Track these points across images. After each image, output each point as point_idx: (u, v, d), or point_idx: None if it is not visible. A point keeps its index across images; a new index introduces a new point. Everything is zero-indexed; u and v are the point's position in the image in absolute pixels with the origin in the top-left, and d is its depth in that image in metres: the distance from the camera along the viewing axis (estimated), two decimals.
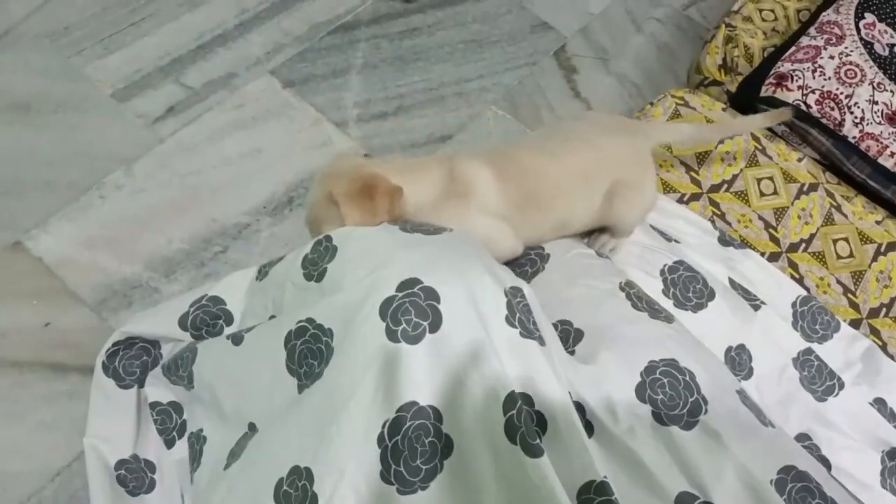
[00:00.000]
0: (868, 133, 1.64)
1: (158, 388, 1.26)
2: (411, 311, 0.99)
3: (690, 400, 1.07)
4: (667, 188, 1.59)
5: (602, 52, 2.01)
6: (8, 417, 1.32)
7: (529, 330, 1.03)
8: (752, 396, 1.23)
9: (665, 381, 1.07)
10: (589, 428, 1.03)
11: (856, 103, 1.66)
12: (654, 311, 1.21)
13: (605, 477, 0.94)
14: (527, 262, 1.31)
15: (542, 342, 1.02)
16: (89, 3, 1.84)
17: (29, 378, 1.36)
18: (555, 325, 1.16)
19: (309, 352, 1.06)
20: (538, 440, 0.95)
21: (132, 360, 1.25)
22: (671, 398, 1.06)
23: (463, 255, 1.09)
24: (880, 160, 1.64)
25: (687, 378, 1.09)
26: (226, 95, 1.75)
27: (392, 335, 0.99)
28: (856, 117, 1.65)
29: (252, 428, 1.12)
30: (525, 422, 0.95)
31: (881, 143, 1.63)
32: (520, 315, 1.03)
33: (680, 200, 1.58)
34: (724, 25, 1.91)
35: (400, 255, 1.06)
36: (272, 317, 1.16)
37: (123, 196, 1.58)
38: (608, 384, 1.06)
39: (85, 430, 1.16)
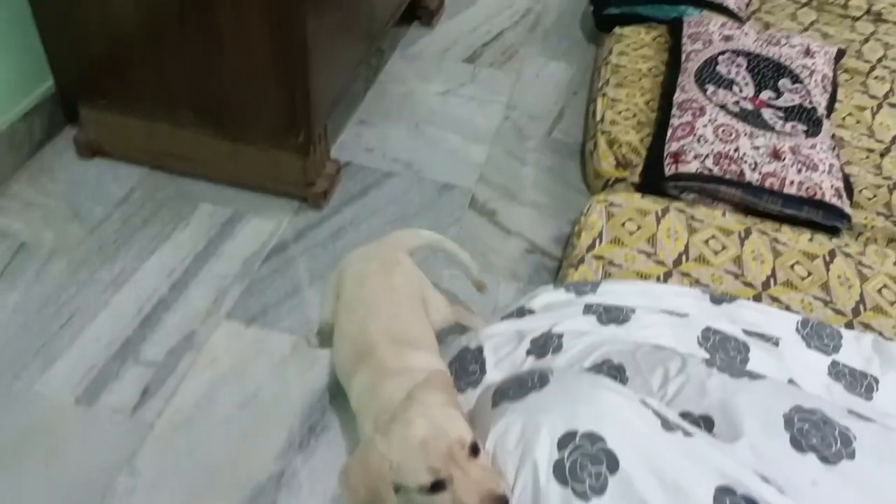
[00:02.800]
0: (766, 172, 1.89)
1: None
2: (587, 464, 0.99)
3: (834, 433, 1.12)
4: (642, 276, 1.71)
5: (505, 190, 2.17)
6: None
7: (684, 429, 1.06)
8: None
9: (805, 424, 1.12)
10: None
11: (745, 153, 1.91)
12: (742, 370, 1.28)
13: None
14: None
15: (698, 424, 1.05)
16: (6, 324, 1.69)
17: None
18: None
19: None
20: None
21: None
22: (823, 438, 1.11)
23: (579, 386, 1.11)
24: (785, 190, 1.88)
25: (820, 416, 1.14)
26: (194, 356, 1.66)
27: (581, 496, 0.98)
28: (750, 164, 1.89)
29: None
30: None
31: (778, 176, 1.88)
32: (670, 418, 1.06)
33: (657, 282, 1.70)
34: (599, 133, 2.15)
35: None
36: None
37: (139, 499, 1.41)
38: (768, 449, 1.09)
39: None
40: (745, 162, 1.90)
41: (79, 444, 1.49)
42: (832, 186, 1.89)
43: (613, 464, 1.00)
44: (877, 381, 1.51)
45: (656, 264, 1.74)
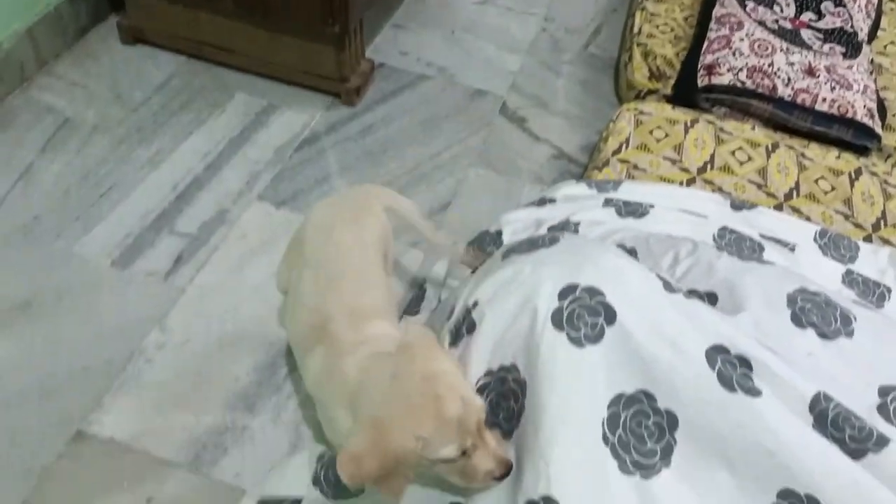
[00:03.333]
0: (799, 88, 1.88)
1: None
2: (585, 314, 1.04)
3: (835, 313, 1.15)
4: (665, 181, 1.73)
5: (537, 100, 2.18)
6: None
7: (685, 293, 1.10)
8: None
9: (808, 304, 1.16)
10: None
11: (779, 68, 1.90)
12: (753, 254, 1.31)
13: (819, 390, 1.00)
14: None
15: (702, 299, 1.09)
16: (49, 191, 1.77)
17: None
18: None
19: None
20: (751, 382, 1.00)
21: None
22: (824, 317, 1.14)
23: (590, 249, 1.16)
24: (816, 107, 1.87)
25: (823, 298, 1.17)
26: (226, 231, 1.73)
27: (575, 341, 1.03)
28: (783, 79, 1.88)
29: None
30: (732, 368, 1.00)
31: (811, 93, 1.87)
32: (673, 284, 1.09)
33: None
34: (635, 45, 2.14)
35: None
36: None
37: (169, 353, 1.50)
38: (769, 323, 1.13)
39: None
40: (779, 77, 1.89)
41: (113, 301, 1.58)
42: (864, 106, 1.88)
43: (611, 316, 1.04)
44: (889, 291, 1.53)
45: (680, 171, 1.76)
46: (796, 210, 1.71)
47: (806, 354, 1.09)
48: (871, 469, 0.96)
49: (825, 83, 1.89)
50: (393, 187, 1.84)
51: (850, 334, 1.13)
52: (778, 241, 1.58)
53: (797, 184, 1.75)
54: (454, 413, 0.99)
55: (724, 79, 1.90)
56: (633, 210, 1.55)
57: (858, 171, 1.80)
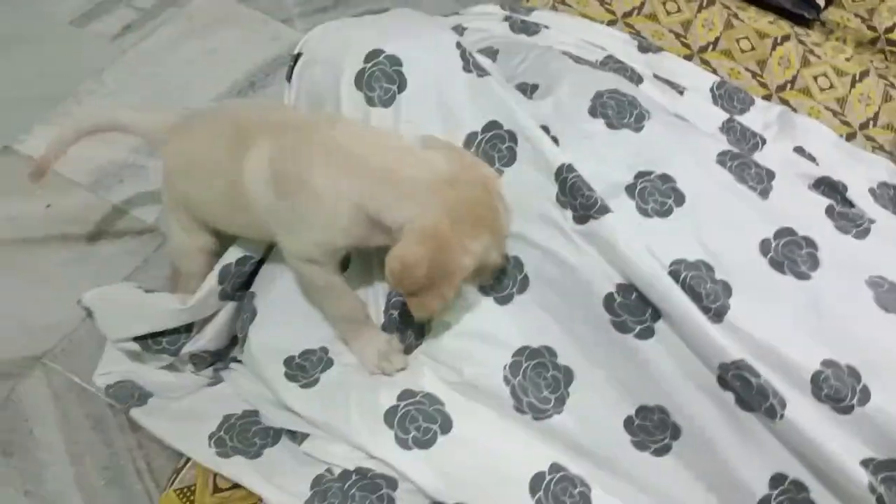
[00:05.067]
0: None
1: None
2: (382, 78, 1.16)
3: (635, 112, 1.25)
4: (587, 18, 1.79)
5: None
6: (31, 285, 1.43)
7: (482, 73, 1.20)
8: None
9: (611, 102, 1.25)
10: (555, 142, 1.20)
11: None
12: (595, 65, 1.40)
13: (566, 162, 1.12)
14: None
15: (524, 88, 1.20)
16: None
17: (41, 251, 1.47)
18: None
19: None
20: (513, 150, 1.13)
21: None
22: (619, 112, 1.23)
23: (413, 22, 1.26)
24: None
25: (629, 99, 1.27)
26: (176, 12, 1.90)
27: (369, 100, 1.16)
28: None
29: None
30: (489, 148, 1.13)
31: None
32: (473, 60, 1.20)
33: None
34: None
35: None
36: None
37: (98, 99, 1.71)
38: (566, 107, 1.23)
39: None
40: None
41: (62, 51, 1.80)
42: None
43: (403, 84, 1.16)
44: (763, 142, 1.58)
45: (606, 11, 1.81)
46: (705, 62, 1.75)
47: (584, 136, 1.19)
48: (589, 234, 1.08)
49: None
50: None
51: (637, 130, 1.22)
52: (670, 84, 1.64)
53: (717, 39, 1.78)
54: (507, 229, 1.05)
55: None
56: (527, 28, 1.62)
57: (786, 38, 1.81)
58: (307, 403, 1.09)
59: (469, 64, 1.20)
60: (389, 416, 1.05)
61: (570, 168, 1.11)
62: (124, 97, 1.71)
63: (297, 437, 1.08)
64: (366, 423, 1.05)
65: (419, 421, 1.05)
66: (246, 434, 1.09)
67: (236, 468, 1.05)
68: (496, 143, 1.13)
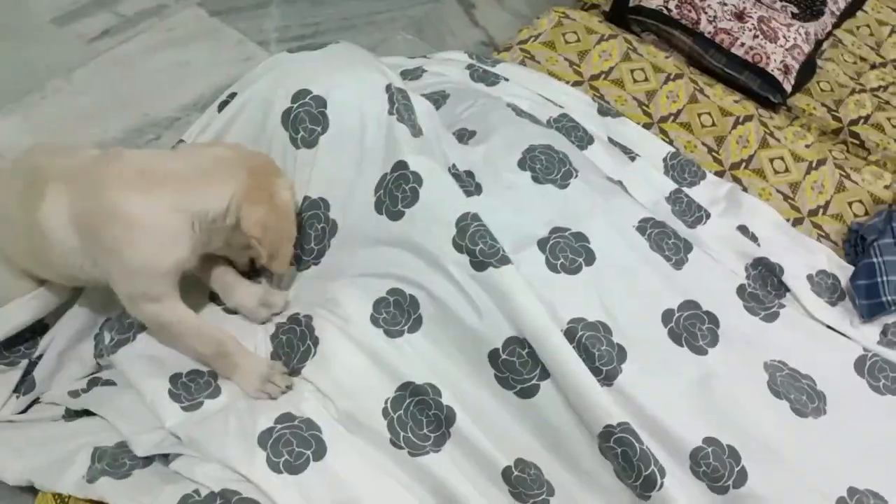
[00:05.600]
0: (721, 28, 1.91)
1: None
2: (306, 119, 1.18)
3: (563, 170, 1.26)
4: (553, 77, 1.81)
5: None
6: None
7: (403, 119, 1.22)
8: None
9: (542, 157, 1.26)
10: (478, 189, 1.21)
11: (709, 5, 1.93)
12: (537, 120, 1.41)
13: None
14: None
15: (416, 134, 1.21)
16: None
17: None
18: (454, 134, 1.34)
19: None
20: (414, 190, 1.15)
21: None
22: (547, 168, 1.25)
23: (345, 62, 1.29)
24: (733, 50, 1.90)
25: (560, 156, 1.28)
26: (156, 22, 1.94)
27: (293, 141, 1.18)
28: (709, 16, 1.92)
29: None
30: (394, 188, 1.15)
31: (732, 35, 1.90)
32: (398, 106, 1.22)
33: None
34: None
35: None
36: None
37: (63, 97, 1.73)
38: (496, 156, 1.25)
39: None
40: (706, 12, 1.92)
41: (38, 48, 1.82)
42: (781, 61, 1.89)
43: (326, 126, 1.19)
44: (707, 217, 1.58)
45: (574, 72, 1.84)
46: (664, 132, 1.77)
47: (505, 187, 1.20)
48: (486, 282, 1.08)
49: (749, 30, 1.91)
50: (321, 28, 2.02)
51: (563, 186, 1.23)
52: (623, 149, 1.65)
53: (679, 111, 1.81)
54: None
55: (654, 3, 1.95)
56: (486, 78, 1.65)
57: (749, 118, 1.83)
58: (183, 422, 1.07)
59: (394, 107, 1.22)
60: (264, 437, 1.04)
61: (475, 217, 1.12)
62: (90, 97, 1.74)
63: (169, 457, 1.07)
64: (239, 444, 1.04)
65: (293, 445, 1.04)
66: (116, 458, 1.07)
67: (102, 490, 1.03)
68: (400, 184, 1.14)
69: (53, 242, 1.04)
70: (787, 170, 1.75)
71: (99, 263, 1.05)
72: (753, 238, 1.62)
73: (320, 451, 1.05)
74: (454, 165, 1.22)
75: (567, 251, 1.15)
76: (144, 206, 1.01)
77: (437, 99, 1.47)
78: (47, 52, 1.81)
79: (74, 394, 1.21)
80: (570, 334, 1.06)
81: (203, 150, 1.14)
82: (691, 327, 1.12)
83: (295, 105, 1.19)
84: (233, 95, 1.29)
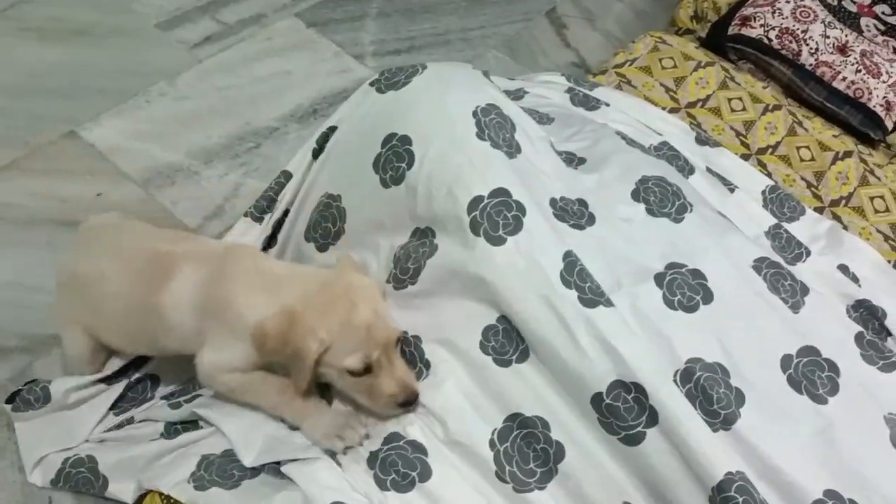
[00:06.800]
0: (823, 61, 1.88)
1: None
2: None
3: (678, 203, 1.25)
4: (649, 102, 1.80)
5: (588, 13, 2.27)
6: None
7: (497, 143, 1.19)
8: None
9: (656, 189, 1.25)
10: (591, 219, 1.21)
11: (811, 37, 1.90)
12: (644, 149, 1.40)
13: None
14: None
15: (511, 154, 1.19)
16: None
17: None
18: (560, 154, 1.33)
19: None
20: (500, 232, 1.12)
21: None
22: (661, 201, 1.24)
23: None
24: (834, 84, 1.87)
25: (674, 189, 1.27)
26: (256, 30, 1.98)
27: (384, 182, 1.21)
28: (811, 48, 1.89)
29: None
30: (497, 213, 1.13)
31: (834, 69, 1.87)
32: (489, 132, 1.19)
33: None
34: None
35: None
36: None
37: (167, 102, 1.77)
38: (609, 186, 1.24)
39: None
40: (807, 44, 1.89)
41: (144, 52, 1.88)
42: (884, 97, 1.85)
43: (411, 161, 1.17)
44: (808, 254, 1.56)
45: (670, 99, 1.82)
46: (762, 164, 1.74)
47: (621, 218, 1.20)
48: (595, 322, 1.05)
49: (852, 64, 1.88)
50: (416, 44, 2.03)
51: (677, 221, 1.22)
52: (722, 180, 1.63)
53: (777, 144, 1.78)
54: (363, 321, 1.04)
55: (754, 32, 1.93)
56: (587, 103, 1.64)
57: (848, 154, 1.80)
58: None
59: (484, 133, 1.19)
60: (372, 458, 1.05)
61: (569, 254, 1.10)
62: (193, 103, 1.78)
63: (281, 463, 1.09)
64: (350, 463, 1.05)
65: (398, 465, 1.05)
66: (224, 469, 1.09)
67: (214, 499, 1.05)
68: (502, 210, 1.12)
69: (172, 322, 1.13)
70: (887, 209, 1.72)
71: (204, 339, 1.13)
72: (854, 279, 1.59)
73: (426, 474, 1.06)
74: (562, 197, 1.21)
75: (684, 288, 1.13)
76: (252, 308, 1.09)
77: (544, 121, 1.47)
78: (152, 56, 1.86)
79: (175, 405, 1.24)
80: (687, 374, 1.05)
81: (297, 271, 1.19)
82: (811, 374, 1.10)
83: (384, 150, 1.20)
84: (332, 128, 1.31)
